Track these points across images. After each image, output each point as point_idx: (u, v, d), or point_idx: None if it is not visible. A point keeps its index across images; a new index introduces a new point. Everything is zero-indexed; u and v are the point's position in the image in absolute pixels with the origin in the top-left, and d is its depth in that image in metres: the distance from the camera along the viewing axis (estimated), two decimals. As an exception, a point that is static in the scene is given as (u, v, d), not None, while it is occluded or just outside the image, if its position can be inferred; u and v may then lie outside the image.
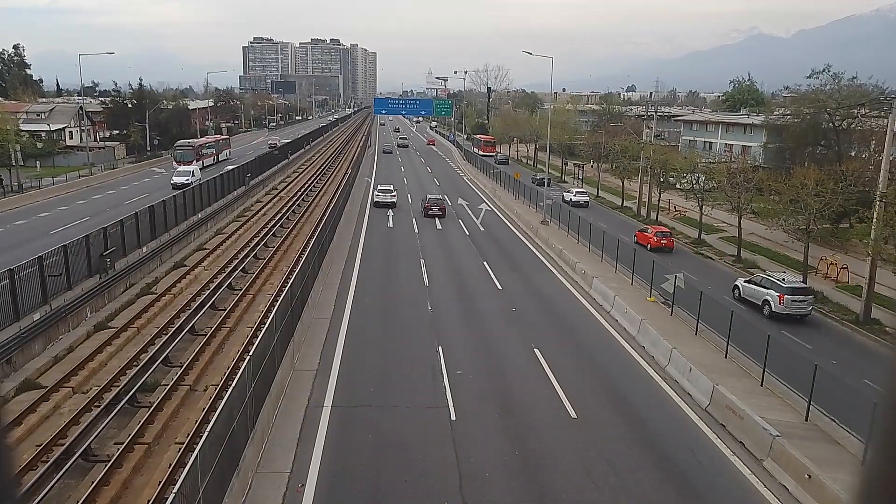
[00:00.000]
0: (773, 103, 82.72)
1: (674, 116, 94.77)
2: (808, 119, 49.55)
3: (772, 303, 27.44)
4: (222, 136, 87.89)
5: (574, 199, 54.76)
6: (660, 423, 17.22)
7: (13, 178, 53.23)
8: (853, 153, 47.24)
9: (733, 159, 48.92)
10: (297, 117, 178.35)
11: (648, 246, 38.73)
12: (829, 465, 13.97)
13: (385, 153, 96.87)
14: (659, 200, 50.14)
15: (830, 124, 47.97)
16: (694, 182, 43.65)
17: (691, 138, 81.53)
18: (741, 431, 16.21)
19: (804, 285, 28.79)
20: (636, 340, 23.21)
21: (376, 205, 48.37)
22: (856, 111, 47.24)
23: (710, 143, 77.72)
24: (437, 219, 45.95)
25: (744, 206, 37.58)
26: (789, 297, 27.07)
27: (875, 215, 27.36)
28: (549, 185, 51.48)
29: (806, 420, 17.22)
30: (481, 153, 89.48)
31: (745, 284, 29.65)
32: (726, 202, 39.20)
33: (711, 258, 39.19)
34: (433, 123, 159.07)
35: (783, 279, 28.06)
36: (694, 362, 19.62)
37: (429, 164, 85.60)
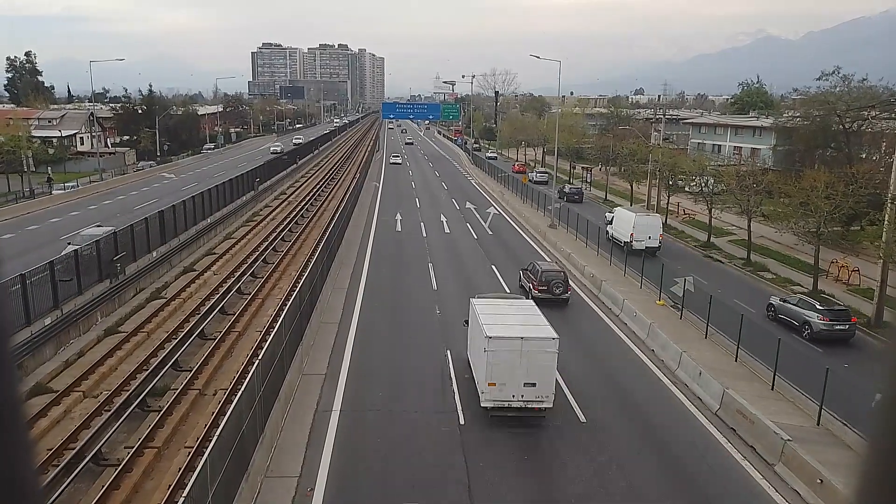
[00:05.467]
0: (782, 106, 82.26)
1: (682, 119, 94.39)
2: (817, 121, 49.22)
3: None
4: None
5: (534, 176, 68.12)
6: (670, 428, 17.12)
7: (25, 184, 53.77)
8: (864, 155, 46.85)
9: (742, 162, 48.56)
10: (297, 125, 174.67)
11: (515, 171, 71.06)
12: (841, 469, 13.83)
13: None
14: (668, 203, 49.94)
15: (840, 126, 47.63)
16: (703, 185, 43.47)
17: (700, 141, 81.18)
18: (752, 436, 16.09)
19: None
20: (646, 344, 23.11)
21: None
22: (866, 113, 46.90)
23: (719, 145, 77.35)
24: (445, 223, 46.00)
25: (753, 208, 37.38)
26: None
27: (886, 217, 27.15)
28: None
29: (818, 424, 17.09)
30: (454, 137, 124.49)
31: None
32: (735, 205, 38.97)
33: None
34: (427, 125, 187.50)
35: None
36: (704, 366, 19.51)
37: (437, 169, 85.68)
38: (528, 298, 23.65)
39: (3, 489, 0.74)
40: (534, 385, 16.42)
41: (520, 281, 29.65)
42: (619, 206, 46.87)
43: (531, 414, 16.63)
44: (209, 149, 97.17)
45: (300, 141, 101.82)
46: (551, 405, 16.74)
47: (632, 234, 36.81)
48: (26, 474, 0.75)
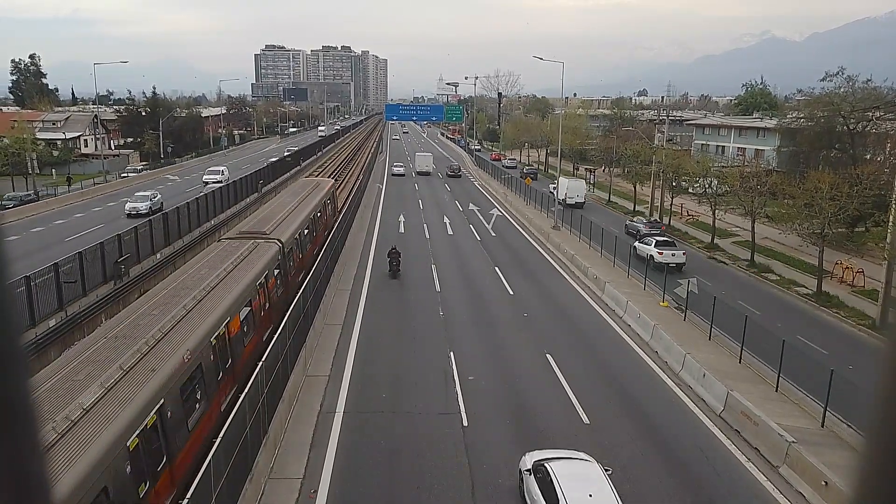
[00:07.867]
0: (786, 107, 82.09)
1: (686, 120, 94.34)
2: (822, 122, 49.16)
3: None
4: None
5: (505, 163, 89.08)
6: (673, 429, 17.09)
7: (29, 186, 53.95)
8: (868, 156, 46.70)
9: (746, 163, 48.50)
10: (292, 129, 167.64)
11: (493, 159, 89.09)
12: (846, 471, 13.80)
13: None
14: (671, 205, 49.90)
15: (845, 127, 47.57)
16: (707, 186, 43.41)
17: (703, 142, 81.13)
18: (756, 437, 16.06)
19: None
20: (649, 346, 23.08)
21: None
22: (871, 114, 46.83)
23: (723, 146, 77.31)
24: (448, 225, 46.07)
25: (757, 210, 37.31)
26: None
27: (891, 219, 27.09)
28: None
29: (822, 426, 17.05)
30: (451, 136, 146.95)
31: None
32: (739, 206, 38.92)
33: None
34: (428, 126, 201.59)
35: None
36: (708, 367, 19.47)
37: (440, 170, 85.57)
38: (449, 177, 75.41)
39: (14, 488, 0.75)
40: (427, 166, 79.67)
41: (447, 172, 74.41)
42: (561, 179, 57.56)
43: (427, 173, 78.28)
44: (137, 170, 68.90)
45: (216, 179, 55.33)
46: (430, 172, 78.65)
47: (566, 194, 52.34)
48: (37, 474, 0.77)
